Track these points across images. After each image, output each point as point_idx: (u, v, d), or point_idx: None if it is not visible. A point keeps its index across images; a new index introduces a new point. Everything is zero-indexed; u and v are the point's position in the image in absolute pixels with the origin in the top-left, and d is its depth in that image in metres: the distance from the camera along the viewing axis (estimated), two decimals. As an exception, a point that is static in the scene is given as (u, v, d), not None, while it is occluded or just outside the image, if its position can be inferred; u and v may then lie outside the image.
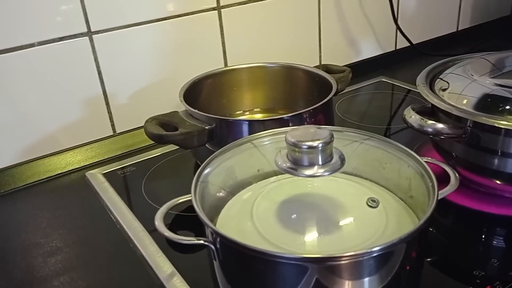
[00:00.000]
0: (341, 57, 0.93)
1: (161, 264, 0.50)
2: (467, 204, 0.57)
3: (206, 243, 0.40)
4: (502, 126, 0.51)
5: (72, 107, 0.68)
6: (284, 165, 0.42)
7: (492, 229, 0.54)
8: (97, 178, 0.67)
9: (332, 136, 0.41)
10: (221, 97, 0.72)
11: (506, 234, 0.52)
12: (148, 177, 0.66)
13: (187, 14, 0.73)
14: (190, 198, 0.43)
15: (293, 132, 0.41)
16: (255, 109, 0.73)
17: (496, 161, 0.54)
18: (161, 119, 0.61)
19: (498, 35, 1.09)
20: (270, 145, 0.50)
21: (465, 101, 0.56)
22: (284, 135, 0.49)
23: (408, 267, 0.40)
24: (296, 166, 0.41)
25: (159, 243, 0.53)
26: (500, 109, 0.53)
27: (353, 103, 0.86)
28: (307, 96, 0.70)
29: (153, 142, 0.74)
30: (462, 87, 0.59)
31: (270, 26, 0.82)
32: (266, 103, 0.73)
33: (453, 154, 0.58)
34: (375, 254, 0.37)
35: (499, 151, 0.53)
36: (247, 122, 0.60)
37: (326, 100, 0.60)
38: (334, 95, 0.66)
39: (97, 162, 0.71)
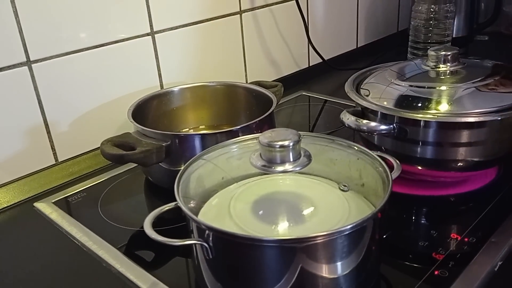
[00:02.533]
0: (264, 75, 1.00)
1: (142, 276, 0.51)
2: (398, 190, 0.65)
3: (198, 243, 0.43)
4: (420, 118, 0.60)
5: (12, 139, 0.67)
6: (258, 163, 0.47)
7: (424, 207, 0.63)
8: (47, 207, 0.66)
9: (299, 136, 0.47)
10: (167, 116, 0.75)
11: (436, 210, 0.62)
12: (103, 201, 0.67)
13: (123, 40, 0.75)
14: (173, 206, 0.46)
15: (266, 134, 0.46)
16: (200, 126, 0.77)
17: (418, 149, 0.63)
18: (115, 141, 0.62)
19: (390, 49, 1.25)
20: (235, 152, 0.54)
21: (385, 103, 0.65)
22: (247, 143, 0.54)
23: (373, 247, 0.46)
24: (270, 164, 0.46)
25: (132, 258, 0.54)
26: (416, 105, 0.62)
27: (279, 115, 0.93)
28: (246, 111, 0.76)
29: (97, 168, 0.75)
30: (380, 92, 0.68)
31: (200, 49, 0.87)
32: (210, 120, 0.77)
33: (382, 147, 0.66)
34: (348, 232, 0.43)
35: (420, 140, 0.62)
36: (199, 136, 0.64)
37: (270, 111, 0.66)
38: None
39: (42, 192, 0.70)
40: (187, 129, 0.77)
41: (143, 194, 0.70)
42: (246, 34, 0.94)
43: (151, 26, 0.78)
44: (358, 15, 1.21)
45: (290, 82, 1.05)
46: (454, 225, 0.59)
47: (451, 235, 0.56)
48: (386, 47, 1.27)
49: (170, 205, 0.46)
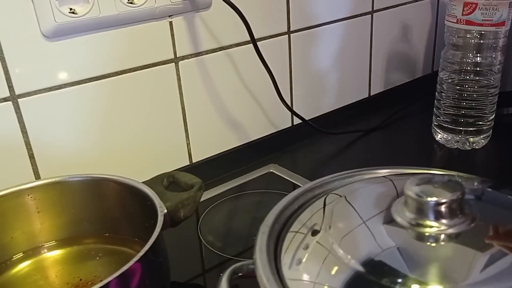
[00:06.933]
0: (220, 143, 0.72)
1: None
2: None
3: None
4: None
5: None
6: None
7: None
8: None
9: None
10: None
11: None
12: None
13: None
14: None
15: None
16: (45, 245, 0.50)
17: None
18: None
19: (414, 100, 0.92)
20: None
21: None
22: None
23: None
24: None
25: None
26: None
27: (226, 213, 0.64)
28: (134, 218, 0.49)
29: None
30: (317, 261, 0.34)
31: (103, 117, 0.60)
32: (65, 231, 0.51)
33: None
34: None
35: None
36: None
37: (141, 254, 0.38)
38: (164, 228, 0.44)
39: None
40: (22, 254, 0.49)
41: None
42: (185, 87, 0.66)
43: (10, 87, 0.52)
44: (371, 57, 0.89)
45: (260, 150, 0.76)
46: None
47: None
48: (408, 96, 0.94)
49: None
